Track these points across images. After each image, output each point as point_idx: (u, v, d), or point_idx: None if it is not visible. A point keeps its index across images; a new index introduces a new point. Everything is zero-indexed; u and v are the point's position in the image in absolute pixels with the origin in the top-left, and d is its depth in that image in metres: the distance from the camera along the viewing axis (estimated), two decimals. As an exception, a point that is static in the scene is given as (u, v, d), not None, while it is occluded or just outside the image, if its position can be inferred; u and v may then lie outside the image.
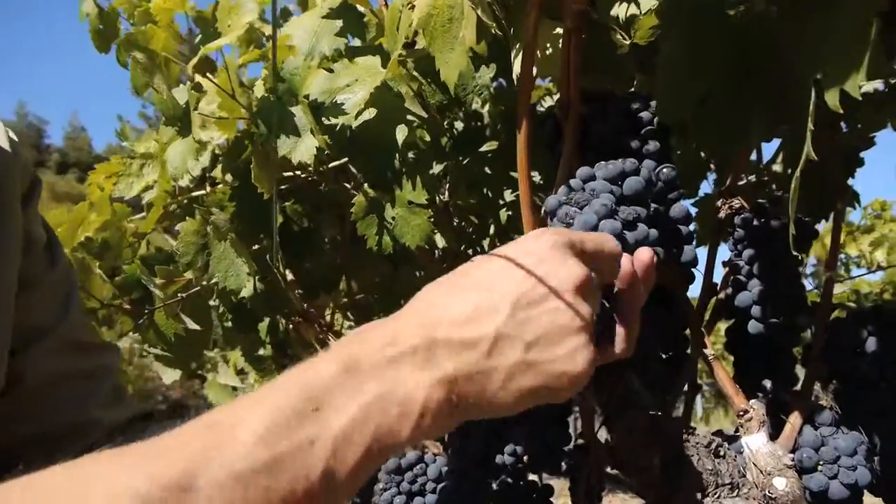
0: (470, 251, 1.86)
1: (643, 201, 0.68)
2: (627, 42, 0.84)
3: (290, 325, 1.45)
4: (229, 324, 1.44)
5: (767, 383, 0.93)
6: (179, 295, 1.14)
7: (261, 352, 1.55)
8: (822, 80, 0.47)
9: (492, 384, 0.49)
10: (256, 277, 1.23)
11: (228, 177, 1.19)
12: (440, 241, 1.72)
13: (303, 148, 1.01)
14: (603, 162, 0.70)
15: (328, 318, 1.84)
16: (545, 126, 0.87)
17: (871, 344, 0.75)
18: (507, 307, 0.50)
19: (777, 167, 1.21)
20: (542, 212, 0.79)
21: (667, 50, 0.62)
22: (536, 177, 1.29)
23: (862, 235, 4.44)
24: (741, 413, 0.72)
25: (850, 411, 0.75)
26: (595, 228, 0.63)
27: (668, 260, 0.74)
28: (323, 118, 1.02)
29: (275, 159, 1.07)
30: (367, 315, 2.15)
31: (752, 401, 0.73)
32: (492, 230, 1.67)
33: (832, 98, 0.47)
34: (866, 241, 4.40)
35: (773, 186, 1.22)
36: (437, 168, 1.35)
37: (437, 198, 1.56)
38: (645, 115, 0.76)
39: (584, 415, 0.77)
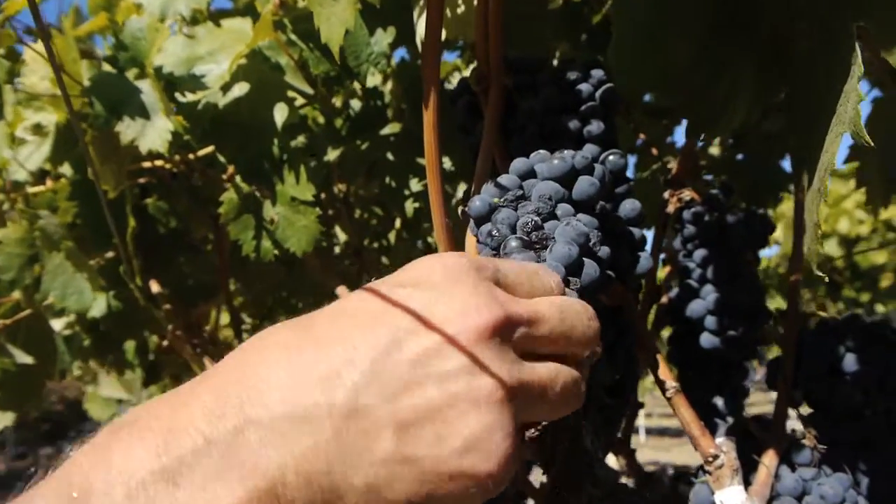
0: (375, 245, 1.69)
1: (594, 207, 0.52)
2: (559, -4, 0.68)
3: (164, 343, 1.23)
4: (87, 342, 1.20)
5: (719, 401, 0.81)
6: (1, 322, 0.91)
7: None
8: (877, 33, 0.32)
9: (346, 490, 0.30)
10: (111, 293, 1.01)
11: (67, 169, 0.95)
12: (340, 234, 1.53)
13: (153, 133, 0.80)
14: (543, 153, 0.53)
15: (215, 323, 1.62)
16: (457, 104, 0.70)
17: (849, 362, 0.63)
18: (365, 364, 0.31)
19: (714, 150, 1.09)
20: (460, 212, 0.62)
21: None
22: (446, 163, 1.12)
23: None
24: (710, 459, 0.58)
25: (829, 443, 0.63)
26: (577, 268, 0.45)
27: (617, 271, 0.58)
28: (178, 95, 0.81)
29: (122, 148, 0.85)
30: (270, 314, 1.94)
31: (721, 440, 0.60)
32: (398, 223, 1.50)
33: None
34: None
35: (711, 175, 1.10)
36: (332, 154, 1.16)
37: (336, 187, 1.37)
38: (585, 87, 0.60)
39: (520, 474, 0.62)
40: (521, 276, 0.38)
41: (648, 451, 7.32)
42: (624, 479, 0.95)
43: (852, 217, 4.08)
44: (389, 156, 1.11)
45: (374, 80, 1.15)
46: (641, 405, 0.90)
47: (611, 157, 0.59)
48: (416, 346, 0.32)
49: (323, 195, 1.32)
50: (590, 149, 0.60)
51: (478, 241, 0.55)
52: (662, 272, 0.91)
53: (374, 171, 1.14)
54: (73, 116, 0.57)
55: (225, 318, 1.73)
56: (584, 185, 0.50)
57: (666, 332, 0.91)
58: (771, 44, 0.43)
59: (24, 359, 0.90)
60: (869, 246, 4.42)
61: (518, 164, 0.53)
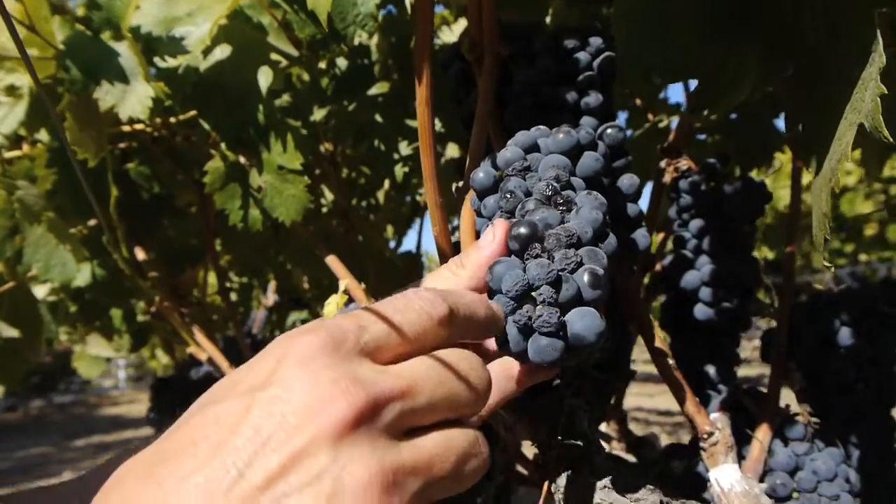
0: (364, 203, 1.66)
1: (598, 183, 0.50)
2: (556, -42, 0.65)
3: (152, 308, 1.21)
4: (74, 308, 1.19)
5: (711, 369, 0.81)
6: (-17, 294, 0.88)
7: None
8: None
9: None
10: (95, 262, 0.99)
11: (44, 135, 0.92)
12: (328, 193, 1.51)
13: (133, 99, 0.77)
14: (543, 128, 0.51)
15: (202, 285, 1.61)
16: (448, 70, 0.67)
17: (843, 336, 0.63)
18: None
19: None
20: (454, 189, 0.60)
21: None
22: (436, 124, 1.09)
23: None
24: (705, 436, 0.58)
25: (821, 416, 0.63)
26: (603, 235, 0.44)
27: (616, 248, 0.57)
28: (157, 59, 0.77)
29: (101, 113, 0.81)
30: (257, 272, 1.92)
31: (715, 415, 0.60)
32: (387, 183, 1.47)
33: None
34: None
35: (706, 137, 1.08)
36: (318, 114, 1.13)
37: (323, 146, 1.34)
38: (583, 56, 0.58)
39: (512, 446, 0.62)
40: (395, 319, 0.33)
41: (632, 398, 7.46)
42: (615, 444, 0.96)
43: (840, 167, 4.06)
44: (378, 117, 1.08)
45: (359, 38, 1.11)
46: (634, 373, 0.90)
47: (609, 131, 0.57)
48: (265, 466, 0.27)
49: (310, 155, 1.29)
50: (588, 121, 0.58)
51: (479, 214, 0.53)
52: (656, 239, 0.90)
53: (362, 134, 1.11)
54: (40, 87, 0.54)
55: (212, 278, 1.71)
56: (590, 161, 0.49)
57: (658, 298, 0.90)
58: (781, 26, 0.41)
59: (10, 332, 0.88)
60: (856, 194, 4.43)
61: (521, 136, 0.51)
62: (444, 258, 0.56)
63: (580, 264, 0.40)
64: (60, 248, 0.83)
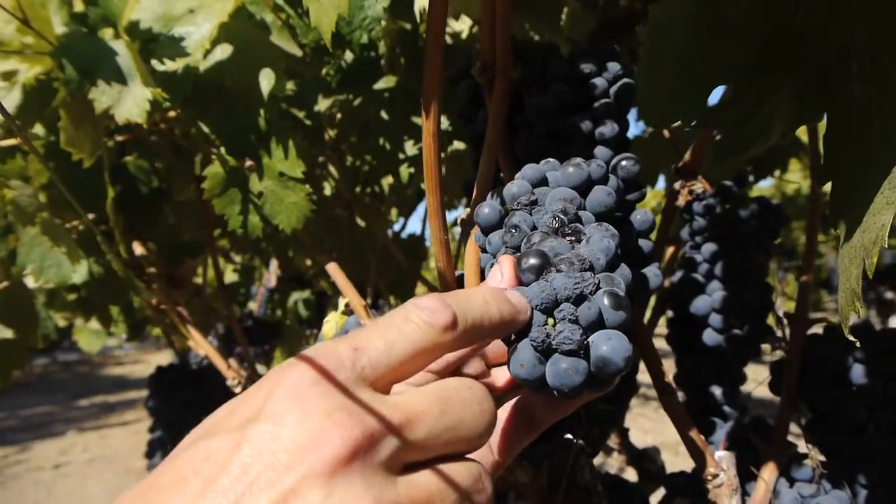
0: (368, 190, 1.64)
1: (608, 218, 0.48)
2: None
3: (151, 302, 1.20)
4: (72, 296, 1.18)
5: (717, 390, 0.80)
6: (-22, 294, 0.87)
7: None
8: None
9: None
10: (92, 259, 0.97)
11: (39, 129, 0.89)
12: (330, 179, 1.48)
13: (130, 101, 0.74)
14: (553, 161, 0.48)
15: (203, 274, 1.59)
16: (458, 86, 0.65)
17: (857, 374, 0.61)
18: None
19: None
20: (458, 221, 0.58)
21: (666, 15, 0.40)
22: (443, 122, 1.06)
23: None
24: (710, 477, 0.57)
25: (829, 455, 0.62)
26: (615, 264, 0.41)
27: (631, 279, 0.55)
28: (156, 62, 0.75)
29: (94, 113, 0.79)
30: (257, 247, 1.91)
31: (721, 454, 0.58)
32: (391, 177, 1.44)
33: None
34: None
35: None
36: (322, 104, 1.10)
37: (326, 133, 1.31)
38: (599, 82, 0.55)
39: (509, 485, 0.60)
40: (392, 336, 0.31)
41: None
42: (616, 456, 0.95)
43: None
44: (383, 114, 1.05)
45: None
46: (637, 388, 0.89)
47: (623, 163, 0.54)
48: None
49: (312, 149, 1.26)
50: (602, 152, 0.56)
51: (483, 250, 0.51)
52: (665, 255, 0.88)
53: (367, 130, 1.08)
54: (11, 120, 0.52)
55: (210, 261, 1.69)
56: (601, 196, 0.47)
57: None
58: (818, 81, 0.38)
59: (4, 333, 0.87)
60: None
61: (528, 170, 0.48)
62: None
63: (598, 287, 0.37)
64: (56, 250, 0.81)
